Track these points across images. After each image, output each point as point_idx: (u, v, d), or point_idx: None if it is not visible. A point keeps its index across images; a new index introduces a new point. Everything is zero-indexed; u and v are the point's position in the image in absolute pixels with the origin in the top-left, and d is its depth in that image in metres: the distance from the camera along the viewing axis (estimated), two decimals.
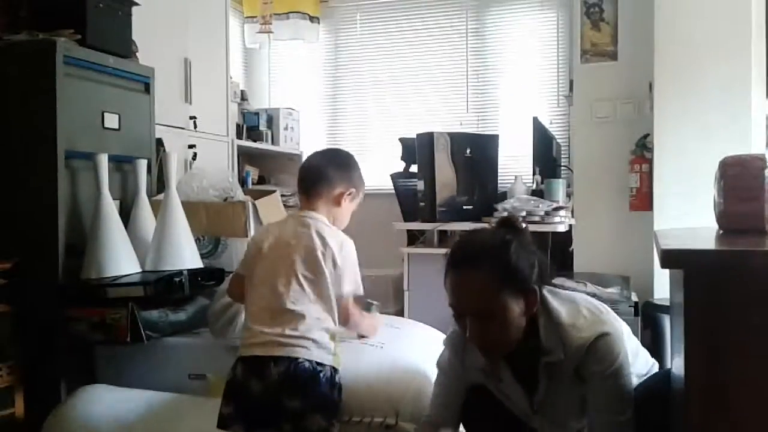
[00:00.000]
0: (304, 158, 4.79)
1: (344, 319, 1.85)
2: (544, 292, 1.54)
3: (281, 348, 1.70)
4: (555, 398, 1.56)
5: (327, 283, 1.77)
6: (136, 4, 2.64)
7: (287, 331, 1.71)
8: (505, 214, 1.69)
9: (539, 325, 1.51)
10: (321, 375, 1.71)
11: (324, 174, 1.90)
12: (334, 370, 1.76)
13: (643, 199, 3.32)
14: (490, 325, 1.47)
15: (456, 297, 1.51)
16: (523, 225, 1.59)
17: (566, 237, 3.42)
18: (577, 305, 1.55)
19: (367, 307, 2.09)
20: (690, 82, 3.06)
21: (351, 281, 1.84)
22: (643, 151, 3.34)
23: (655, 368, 1.68)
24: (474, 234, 1.62)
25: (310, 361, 1.70)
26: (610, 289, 2.86)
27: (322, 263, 1.77)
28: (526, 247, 1.52)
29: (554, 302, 1.54)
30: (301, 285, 1.75)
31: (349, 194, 1.92)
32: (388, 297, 4.11)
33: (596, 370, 1.48)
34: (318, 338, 1.73)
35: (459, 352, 1.65)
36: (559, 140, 4.14)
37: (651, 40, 3.12)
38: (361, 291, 1.89)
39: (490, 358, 1.56)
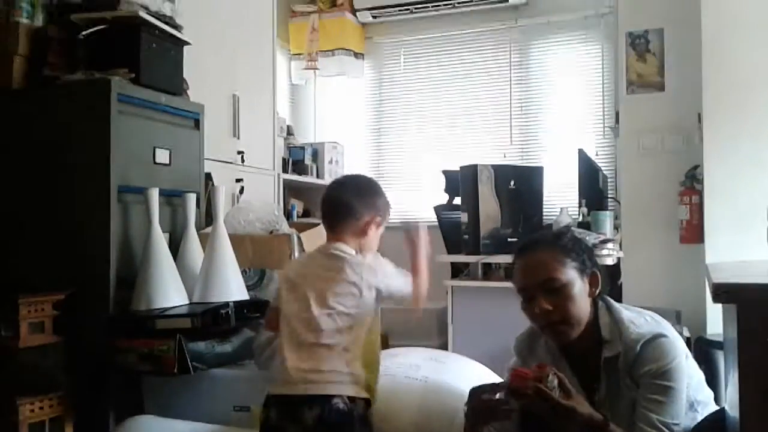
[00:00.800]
0: None
1: (417, 302, 1.81)
2: (610, 299, 1.63)
3: (314, 386, 1.67)
4: (615, 399, 1.57)
5: (359, 312, 1.74)
6: (188, 43, 2.73)
7: (319, 366, 1.68)
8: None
9: (599, 320, 1.59)
10: (354, 412, 1.67)
11: (347, 205, 1.85)
12: (367, 403, 1.72)
13: (693, 232, 3.24)
14: (558, 298, 1.57)
15: (524, 276, 1.63)
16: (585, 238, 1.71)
17: (614, 270, 3.35)
18: (640, 311, 1.62)
19: (409, 227, 1.97)
20: (740, 112, 3.00)
21: (400, 285, 1.80)
22: (693, 183, 3.28)
23: (712, 401, 1.64)
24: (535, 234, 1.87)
25: (342, 399, 1.66)
26: None
27: (353, 293, 1.74)
28: (582, 244, 1.67)
29: (617, 304, 1.63)
30: (331, 317, 1.72)
31: (376, 222, 1.87)
32: (431, 331, 4.08)
33: (648, 370, 1.50)
34: (352, 371, 1.70)
35: (525, 355, 1.72)
36: (605, 172, 4.09)
37: (699, 71, 3.08)
38: (410, 287, 1.81)
39: (557, 337, 1.62)
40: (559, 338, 1.62)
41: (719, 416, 1.53)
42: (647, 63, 3.47)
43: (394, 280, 1.80)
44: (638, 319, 1.57)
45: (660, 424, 1.46)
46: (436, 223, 4.08)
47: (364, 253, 1.85)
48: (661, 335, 1.52)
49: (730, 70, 3.02)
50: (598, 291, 1.61)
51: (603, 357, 1.57)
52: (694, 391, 1.58)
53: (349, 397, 1.67)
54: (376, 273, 1.78)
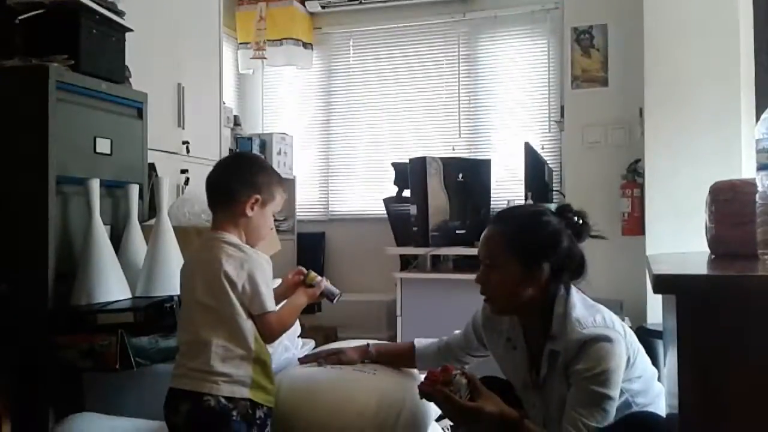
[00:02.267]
0: (297, 183, 4.84)
1: (268, 338, 1.69)
2: (573, 289, 1.62)
3: (189, 381, 1.62)
4: (550, 390, 1.59)
5: (232, 308, 1.63)
6: (130, 30, 2.65)
7: (197, 365, 1.62)
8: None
9: (554, 310, 1.59)
10: (233, 412, 1.60)
11: (223, 185, 1.74)
12: (254, 404, 1.64)
13: (634, 224, 3.33)
14: (489, 275, 1.61)
15: (480, 244, 1.66)
16: (578, 219, 1.68)
17: None
18: (597, 310, 1.60)
19: (329, 296, 1.87)
20: (680, 107, 3.09)
21: (262, 298, 1.66)
22: (634, 176, 3.36)
23: (657, 401, 1.65)
24: (525, 204, 1.89)
25: (216, 398, 1.59)
26: None
27: (225, 286, 1.63)
28: (561, 230, 1.62)
29: (576, 298, 1.61)
30: (204, 312, 1.64)
31: (255, 201, 1.72)
32: (380, 322, 4.10)
33: (582, 371, 1.50)
34: (228, 371, 1.61)
35: (491, 316, 1.74)
36: (551, 165, 4.16)
37: (641, 67, 3.15)
38: (272, 308, 1.69)
39: (492, 310, 1.69)
40: (494, 312, 1.70)
41: (634, 419, 1.54)
42: (591, 58, 3.54)
43: (259, 290, 1.66)
44: (588, 318, 1.55)
45: (583, 427, 1.46)
46: (386, 216, 4.09)
47: (251, 242, 1.73)
48: (603, 338, 1.50)
49: (670, 67, 3.10)
50: (543, 283, 1.58)
51: (548, 348, 1.58)
52: (635, 394, 1.57)
53: (225, 398, 1.60)
54: (240, 270, 1.65)
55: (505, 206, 1.83)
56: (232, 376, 1.62)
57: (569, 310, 1.57)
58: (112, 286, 2.19)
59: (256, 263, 1.68)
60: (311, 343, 2.30)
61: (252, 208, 1.72)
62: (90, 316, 2.10)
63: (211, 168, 1.85)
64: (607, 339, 1.50)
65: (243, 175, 1.75)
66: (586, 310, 1.58)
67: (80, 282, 2.18)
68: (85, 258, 2.19)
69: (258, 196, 1.73)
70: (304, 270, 1.88)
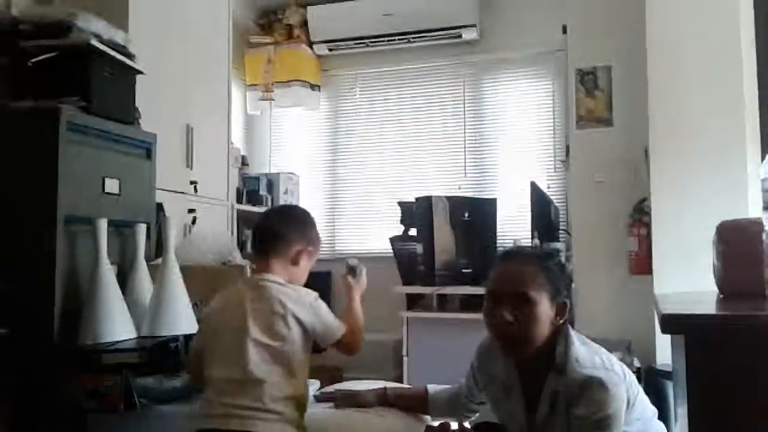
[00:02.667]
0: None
1: (354, 350, 1.83)
2: (570, 329, 1.62)
3: (238, 421, 1.62)
4: (549, 430, 1.58)
5: (290, 348, 1.69)
6: (141, 72, 2.70)
7: (247, 402, 1.63)
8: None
9: (556, 349, 1.58)
10: None
11: (280, 233, 1.85)
12: None
13: (642, 263, 3.31)
14: (523, 313, 1.57)
15: (499, 280, 1.63)
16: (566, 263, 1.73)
17: None
18: (595, 351, 1.60)
19: (352, 271, 2.05)
20: (685, 146, 3.10)
21: (334, 325, 1.78)
22: (641, 215, 3.36)
23: None
24: (520, 245, 1.78)
25: None
26: (611, 354, 2.82)
27: (283, 327, 1.69)
28: (565, 272, 1.68)
29: (577, 338, 1.61)
30: (260, 352, 1.67)
31: (308, 252, 1.86)
32: (386, 362, 4.06)
33: (582, 414, 1.49)
34: (281, 409, 1.64)
35: (484, 363, 1.75)
36: (557, 204, 4.17)
37: (645, 107, 3.17)
38: (341, 328, 1.81)
39: (509, 351, 1.64)
40: (510, 351, 1.65)
41: None
42: (596, 99, 3.56)
43: (326, 321, 1.77)
44: (589, 359, 1.55)
45: None
46: (392, 254, 4.09)
47: (294, 286, 1.81)
48: (604, 382, 1.50)
49: (674, 107, 3.12)
50: (563, 320, 1.61)
51: (548, 387, 1.57)
52: None
53: None
54: (307, 308, 1.74)
55: (512, 245, 1.87)
56: (283, 414, 1.65)
57: (569, 349, 1.57)
58: (117, 326, 2.19)
59: (315, 298, 1.78)
60: (316, 383, 2.28)
61: (304, 258, 1.85)
62: (95, 355, 2.09)
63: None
64: (608, 382, 1.50)
65: (300, 227, 1.89)
66: (585, 350, 1.59)
67: (86, 321, 2.18)
68: (92, 297, 2.20)
69: (311, 248, 1.87)
70: (349, 262, 2.04)
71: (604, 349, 1.63)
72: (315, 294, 1.80)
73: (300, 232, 1.87)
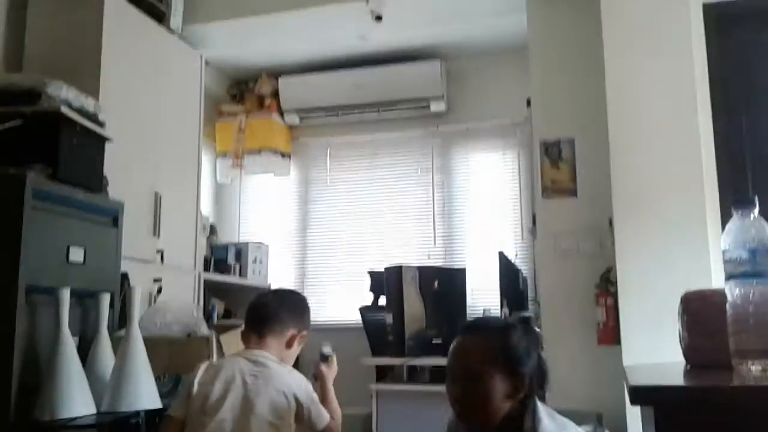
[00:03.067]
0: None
1: None
2: (538, 402, 1.57)
3: None
4: None
5: (288, 426, 1.75)
6: (109, 140, 2.70)
7: None
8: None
9: (524, 424, 1.53)
10: None
11: (278, 315, 1.92)
12: None
13: (610, 333, 3.32)
14: (469, 392, 1.54)
15: (452, 355, 1.60)
16: (537, 330, 1.69)
17: None
18: (563, 426, 1.56)
19: (325, 358, 2.07)
20: (648, 217, 3.16)
21: (323, 413, 1.85)
22: (607, 285, 3.38)
23: None
24: (487, 316, 1.74)
25: None
26: (583, 427, 2.78)
27: (285, 406, 1.74)
28: (531, 341, 1.60)
29: (543, 412, 1.56)
30: (261, 428, 1.71)
31: (301, 337, 1.94)
32: None
33: None
34: None
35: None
36: (525, 273, 4.19)
37: (608, 178, 3.25)
38: (328, 416, 1.88)
39: (465, 427, 1.62)
40: (467, 429, 1.64)
41: None
42: (560, 170, 3.65)
43: (319, 407, 1.84)
44: None
45: None
46: (361, 325, 4.04)
47: (289, 368, 1.90)
48: None
49: (636, 178, 3.20)
50: (523, 395, 1.56)
51: None
52: None
53: None
54: (305, 392, 1.81)
55: (478, 316, 1.84)
56: None
57: (536, 426, 1.53)
58: (76, 401, 2.11)
59: (308, 383, 1.86)
60: None
61: (296, 343, 1.93)
62: None
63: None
64: None
65: (299, 313, 1.98)
66: (553, 426, 1.55)
67: (44, 396, 2.10)
68: (51, 371, 2.12)
69: (304, 333, 1.96)
70: (323, 350, 2.06)
71: (572, 424, 1.60)
72: (306, 381, 1.88)
73: (296, 317, 1.95)
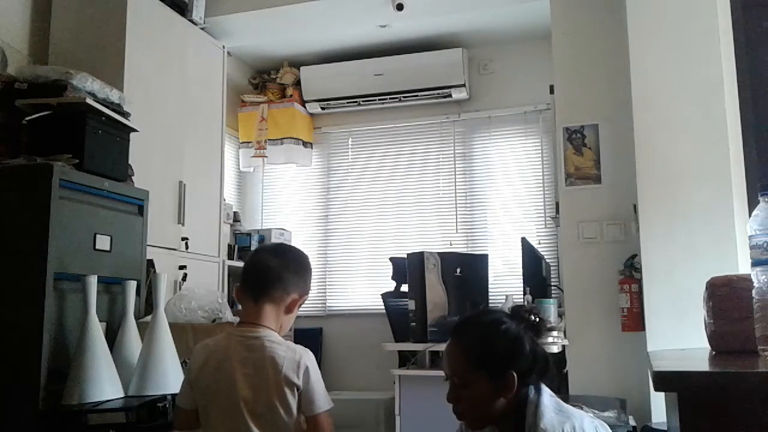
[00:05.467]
0: None
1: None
2: (544, 391, 1.55)
3: None
4: None
5: (283, 413, 1.59)
6: (135, 130, 2.73)
7: None
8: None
9: (526, 418, 1.51)
10: None
11: (281, 279, 1.67)
12: None
13: (634, 320, 3.30)
14: (463, 395, 1.55)
15: (443, 361, 1.62)
16: (533, 317, 1.60)
17: (560, 358, 3.37)
18: (568, 417, 1.51)
19: None
20: (673, 203, 3.13)
21: (321, 396, 1.63)
22: (631, 272, 3.36)
23: None
24: (478, 311, 1.76)
25: None
26: (606, 413, 2.78)
27: (284, 392, 1.59)
28: (521, 332, 1.56)
29: (547, 403, 1.52)
30: (254, 419, 1.59)
31: (302, 302, 1.72)
32: (379, 421, 3.99)
33: None
34: None
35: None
36: (548, 260, 4.17)
37: (632, 164, 3.22)
38: (331, 404, 1.67)
39: (467, 426, 1.63)
40: (467, 425, 1.64)
41: None
42: (584, 156, 3.61)
43: (314, 389, 1.63)
44: (557, 428, 1.48)
45: None
46: (384, 311, 4.06)
47: (281, 333, 1.70)
48: None
49: (661, 164, 3.17)
50: (516, 391, 1.52)
51: None
52: None
53: None
54: (299, 371, 1.61)
55: (469, 314, 1.74)
56: None
57: (538, 420, 1.49)
58: (104, 385, 2.16)
59: (310, 359, 1.65)
60: None
61: (297, 307, 1.71)
62: (81, 416, 2.05)
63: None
64: None
65: (301, 273, 1.73)
66: (556, 418, 1.50)
67: (73, 380, 2.14)
68: (79, 356, 2.17)
69: (305, 297, 1.73)
70: None
71: (579, 413, 1.57)
72: (310, 356, 1.67)
73: (298, 277, 1.71)
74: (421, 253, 3.30)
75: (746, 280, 1.34)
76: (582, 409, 2.72)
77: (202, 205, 3.78)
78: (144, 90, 3.29)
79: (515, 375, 1.52)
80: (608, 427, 1.58)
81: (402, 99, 4.86)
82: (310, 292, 1.77)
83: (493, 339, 1.56)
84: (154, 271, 2.68)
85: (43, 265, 2.19)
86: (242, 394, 1.61)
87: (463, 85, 4.71)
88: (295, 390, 1.61)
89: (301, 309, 1.77)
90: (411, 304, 3.30)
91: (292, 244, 4.90)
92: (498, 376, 1.53)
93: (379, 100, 4.89)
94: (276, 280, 1.68)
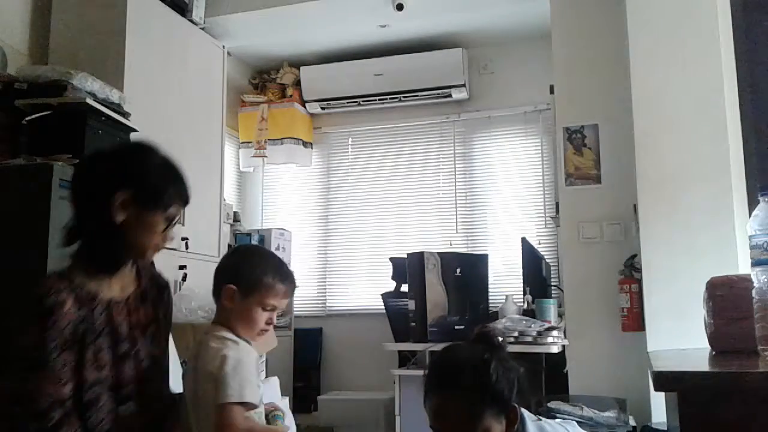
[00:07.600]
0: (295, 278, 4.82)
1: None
2: (527, 418, 1.48)
3: None
4: None
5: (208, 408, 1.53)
6: (135, 130, 2.73)
7: None
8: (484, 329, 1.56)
9: None
10: None
11: (216, 274, 1.69)
12: None
13: (634, 320, 3.30)
14: None
15: (438, 421, 1.45)
16: (499, 339, 1.53)
17: (560, 358, 3.37)
18: None
19: (269, 419, 1.69)
20: (673, 203, 3.13)
21: (223, 388, 1.51)
22: (631, 272, 3.36)
23: None
24: (451, 352, 1.54)
25: None
26: (606, 413, 2.78)
27: (209, 386, 1.52)
28: (504, 363, 1.47)
29: (532, 428, 1.49)
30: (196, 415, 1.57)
31: (237, 293, 1.62)
32: (379, 422, 3.99)
33: None
34: None
35: None
36: (548, 260, 4.17)
37: (632, 164, 3.22)
38: (235, 399, 1.51)
39: None
40: None
41: None
42: (584, 156, 3.61)
43: (231, 378, 1.53)
44: None
45: None
46: (384, 311, 4.06)
47: (244, 332, 1.63)
48: None
49: (661, 164, 3.17)
50: (516, 427, 1.45)
51: None
52: None
53: None
54: (225, 356, 1.54)
55: (443, 358, 1.58)
56: None
57: None
58: None
59: (233, 351, 1.56)
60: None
61: (230, 299, 1.63)
62: None
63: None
64: None
65: (236, 262, 1.72)
66: None
67: None
68: None
69: (234, 287, 1.63)
70: (276, 410, 1.72)
71: (562, 429, 1.55)
72: (243, 350, 1.59)
73: (227, 269, 1.69)
74: (421, 253, 3.30)
75: (746, 280, 1.34)
76: (582, 409, 2.73)
77: (202, 205, 3.78)
78: (144, 90, 3.29)
79: (516, 407, 1.45)
80: None
81: (402, 99, 4.87)
82: (260, 289, 1.65)
83: (490, 379, 1.43)
84: None
85: (43, 266, 2.18)
86: (191, 387, 1.63)
87: (463, 85, 4.71)
88: (214, 383, 1.54)
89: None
90: (411, 304, 3.30)
91: (291, 244, 4.90)
92: (502, 413, 1.43)
93: (379, 100, 4.89)
94: (216, 271, 1.71)
